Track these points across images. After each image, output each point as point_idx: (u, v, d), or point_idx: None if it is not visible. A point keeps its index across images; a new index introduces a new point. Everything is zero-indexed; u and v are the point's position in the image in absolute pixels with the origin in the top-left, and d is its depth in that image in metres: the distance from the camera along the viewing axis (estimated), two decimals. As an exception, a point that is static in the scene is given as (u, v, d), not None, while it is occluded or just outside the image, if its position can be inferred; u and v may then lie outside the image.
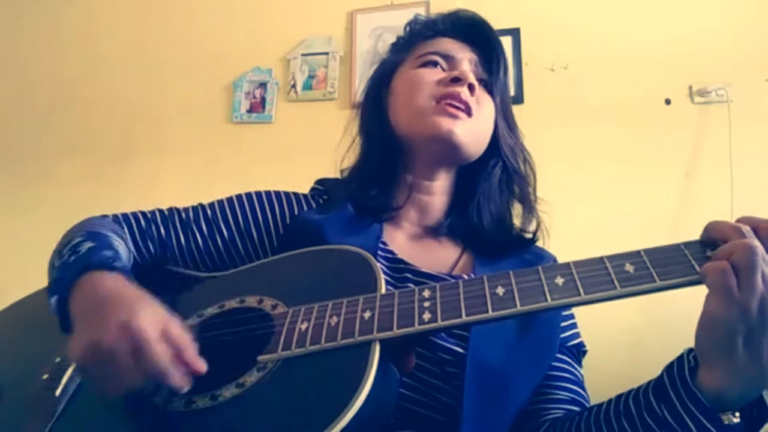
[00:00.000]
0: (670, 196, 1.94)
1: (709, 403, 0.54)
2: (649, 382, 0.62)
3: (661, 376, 0.60)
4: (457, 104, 0.81)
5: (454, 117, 0.81)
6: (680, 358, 0.59)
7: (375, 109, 0.91)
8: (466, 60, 0.87)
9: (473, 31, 0.89)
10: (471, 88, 0.83)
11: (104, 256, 0.70)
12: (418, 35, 0.92)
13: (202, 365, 0.58)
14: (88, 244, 0.72)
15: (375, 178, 0.88)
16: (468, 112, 0.82)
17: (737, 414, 0.54)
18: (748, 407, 0.55)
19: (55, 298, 0.67)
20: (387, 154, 0.88)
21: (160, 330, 0.57)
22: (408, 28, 0.95)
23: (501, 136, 0.88)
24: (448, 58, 0.87)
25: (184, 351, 0.58)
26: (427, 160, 0.87)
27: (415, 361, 0.63)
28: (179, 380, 0.57)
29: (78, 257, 0.70)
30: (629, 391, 0.64)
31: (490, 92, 0.87)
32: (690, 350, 0.58)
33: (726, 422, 0.54)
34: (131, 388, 0.57)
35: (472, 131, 0.83)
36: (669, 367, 0.59)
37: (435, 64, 0.87)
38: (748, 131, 1.91)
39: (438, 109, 0.81)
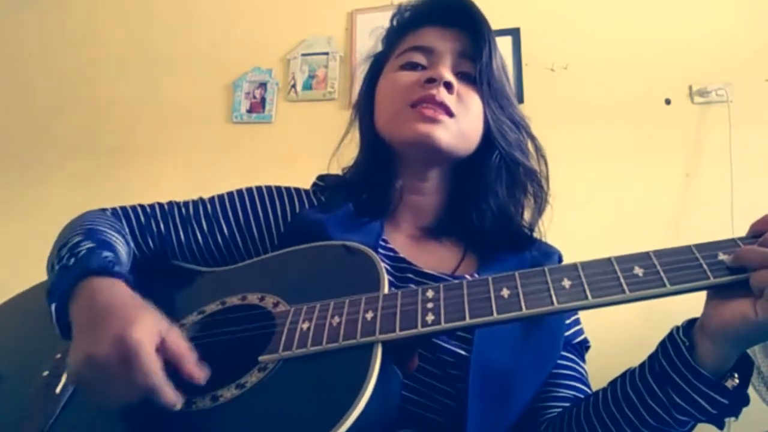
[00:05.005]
0: (669, 195, 1.95)
1: (713, 377, 0.55)
2: (642, 367, 0.62)
3: (656, 361, 0.60)
4: (433, 107, 0.78)
5: (432, 120, 0.78)
6: (672, 340, 0.59)
7: (365, 111, 0.90)
8: (447, 52, 0.83)
9: (456, 16, 0.85)
10: (449, 86, 0.79)
11: (104, 259, 0.69)
12: (403, 28, 0.89)
13: (201, 374, 0.57)
14: (88, 245, 0.71)
15: (366, 181, 0.87)
16: (448, 112, 0.79)
17: (735, 375, 0.56)
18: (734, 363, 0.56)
19: (54, 306, 0.66)
20: (376, 157, 0.87)
21: (156, 341, 0.57)
22: (394, 21, 0.91)
23: (493, 126, 0.83)
24: (429, 52, 0.83)
25: (183, 361, 0.57)
26: (413, 163, 0.85)
27: (418, 363, 0.63)
28: (171, 397, 0.56)
29: (77, 260, 0.68)
30: (621, 378, 0.64)
31: (476, 81, 0.82)
32: (678, 329, 0.59)
33: (731, 388, 0.55)
34: (124, 402, 0.56)
35: (454, 131, 0.79)
36: (664, 351, 0.59)
37: (414, 65, 0.84)
38: (748, 131, 1.92)
39: (414, 114, 0.79)
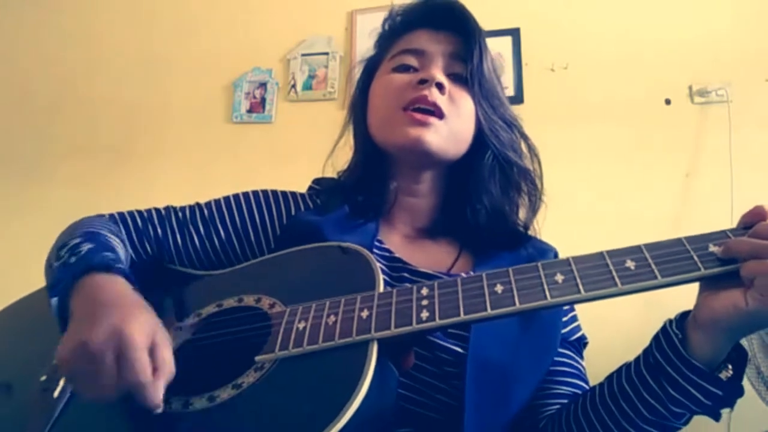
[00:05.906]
0: (669, 196, 1.95)
1: (707, 368, 0.55)
2: (637, 361, 0.62)
3: (650, 354, 0.60)
4: (425, 107, 0.79)
5: (423, 124, 0.79)
6: (665, 332, 0.59)
7: (358, 114, 0.91)
8: (439, 54, 0.84)
9: (447, 18, 0.86)
10: (440, 87, 0.80)
11: (105, 257, 0.69)
12: (395, 31, 0.90)
13: (157, 402, 0.56)
14: (88, 246, 0.71)
15: (361, 184, 0.87)
16: (439, 114, 0.80)
17: (729, 366, 0.56)
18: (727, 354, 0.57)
19: (55, 300, 0.66)
20: (370, 159, 0.88)
21: (149, 341, 0.57)
22: (386, 25, 0.93)
23: (485, 126, 0.84)
24: (421, 54, 0.84)
25: (158, 373, 0.56)
26: (406, 166, 0.85)
27: (414, 360, 0.63)
28: (155, 399, 0.55)
29: (78, 258, 0.69)
30: (617, 373, 0.65)
31: (468, 82, 0.83)
32: (671, 322, 0.60)
33: (725, 379, 0.56)
34: (108, 396, 0.56)
35: (446, 134, 0.80)
36: (657, 344, 0.60)
37: (407, 67, 0.84)
38: (748, 131, 1.92)
39: (405, 118, 0.80)
